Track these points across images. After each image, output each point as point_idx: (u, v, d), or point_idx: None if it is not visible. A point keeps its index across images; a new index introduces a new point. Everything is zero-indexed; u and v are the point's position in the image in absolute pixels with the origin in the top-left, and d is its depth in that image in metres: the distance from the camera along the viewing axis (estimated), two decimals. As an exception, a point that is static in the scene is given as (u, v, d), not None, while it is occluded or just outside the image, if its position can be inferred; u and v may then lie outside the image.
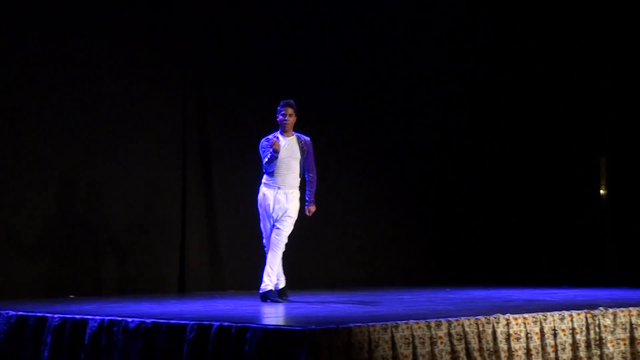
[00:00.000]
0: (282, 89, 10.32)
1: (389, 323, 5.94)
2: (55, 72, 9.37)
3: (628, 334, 7.18)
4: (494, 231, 12.55)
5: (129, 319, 6.37)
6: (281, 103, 8.35)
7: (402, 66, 12.11)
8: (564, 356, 6.83)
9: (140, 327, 6.28)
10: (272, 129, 8.42)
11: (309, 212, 8.42)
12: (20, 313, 6.95)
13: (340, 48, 11.56)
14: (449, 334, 6.22)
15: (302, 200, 8.35)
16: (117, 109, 9.76)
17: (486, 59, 12.62)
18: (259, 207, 8.34)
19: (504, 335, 6.53)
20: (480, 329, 6.40)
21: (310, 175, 8.39)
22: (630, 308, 7.25)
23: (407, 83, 12.17)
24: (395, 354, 5.89)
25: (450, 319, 6.28)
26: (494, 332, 6.48)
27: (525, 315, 6.71)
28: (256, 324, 5.90)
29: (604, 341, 7.03)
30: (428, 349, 6.07)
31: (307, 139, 8.40)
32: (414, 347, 6.00)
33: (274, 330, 5.77)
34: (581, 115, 12.20)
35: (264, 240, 8.39)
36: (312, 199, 8.39)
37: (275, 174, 8.22)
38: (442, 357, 6.13)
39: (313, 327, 5.62)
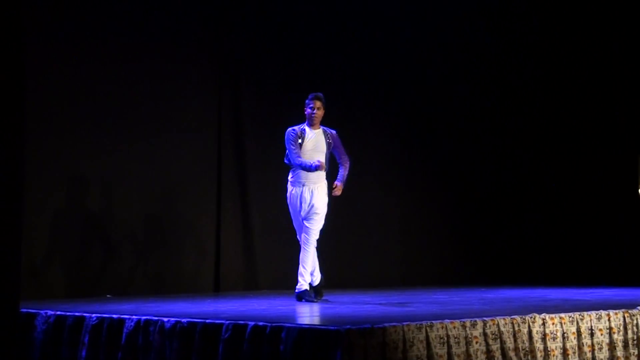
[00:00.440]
0: (317, 85, 10.32)
1: (423, 323, 5.92)
2: (88, 68, 9.36)
3: (666, 334, 7.11)
4: (531, 231, 12.47)
5: (165, 319, 6.41)
6: (310, 96, 8.34)
7: (434, 63, 12.07)
8: (601, 356, 6.77)
9: (176, 326, 6.32)
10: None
11: (335, 189, 8.34)
12: (59, 313, 7.02)
13: (377, 46, 11.53)
14: (484, 334, 6.19)
15: (330, 190, 8.33)
16: (153, 106, 9.79)
17: (521, 56, 12.55)
18: (289, 205, 8.34)
19: (540, 334, 6.49)
20: (516, 328, 6.37)
21: (343, 164, 8.40)
22: (669, 307, 7.18)
23: (441, 81, 12.13)
24: (429, 353, 5.88)
25: (485, 318, 6.25)
26: (530, 332, 6.44)
27: (562, 314, 6.67)
28: (291, 324, 5.91)
29: (641, 341, 6.98)
30: (463, 348, 6.05)
31: (334, 132, 8.39)
32: (449, 347, 5.98)
33: (309, 330, 5.78)
34: (619, 113, 12.10)
35: (298, 236, 8.40)
36: (343, 180, 8.35)
37: (298, 169, 8.22)
38: (477, 357, 6.10)
39: (348, 326, 5.62)
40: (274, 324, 5.93)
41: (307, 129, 8.28)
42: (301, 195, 8.21)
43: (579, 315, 6.74)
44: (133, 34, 9.66)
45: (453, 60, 12.18)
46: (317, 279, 8.39)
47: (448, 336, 5.99)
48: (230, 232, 10.30)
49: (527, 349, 6.40)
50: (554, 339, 6.56)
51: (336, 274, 10.47)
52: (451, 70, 12.17)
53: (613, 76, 12.07)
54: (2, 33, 5.92)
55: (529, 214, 12.52)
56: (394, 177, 11.71)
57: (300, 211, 8.23)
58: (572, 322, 6.68)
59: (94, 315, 6.80)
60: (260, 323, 5.99)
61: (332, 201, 9.17)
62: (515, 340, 6.34)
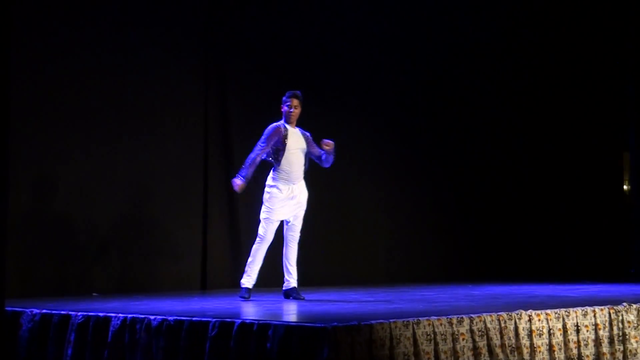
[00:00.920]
0: (306, 80, 10.32)
1: (410, 319, 5.94)
2: (74, 63, 9.27)
3: (652, 330, 7.14)
4: (517, 227, 12.52)
5: (152, 317, 6.40)
6: (288, 94, 8.26)
7: (426, 61, 12.07)
8: (587, 352, 6.80)
9: (162, 324, 6.31)
10: (298, 121, 8.41)
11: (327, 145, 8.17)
12: (44, 311, 6.99)
13: (371, 39, 11.51)
14: (471, 330, 6.21)
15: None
16: (140, 103, 9.74)
17: (509, 56, 12.58)
18: (268, 203, 8.17)
19: (526, 331, 6.51)
20: (502, 325, 6.39)
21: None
22: (654, 303, 7.21)
23: (429, 76, 12.13)
24: (416, 350, 5.89)
25: (472, 315, 6.27)
26: (516, 328, 6.46)
27: (548, 311, 6.69)
28: (278, 321, 5.91)
29: (627, 337, 7.00)
30: (450, 345, 6.06)
31: (308, 134, 8.36)
32: (436, 344, 5.99)
33: (296, 327, 5.78)
34: (605, 111, 12.15)
35: (258, 234, 8.22)
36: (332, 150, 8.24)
37: (284, 166, 8.15)
38: (463, 354, 6.12)
39: (335, 324, 5.63)
40: (260, 322, 5.93)
41: (288, 127, 8.25)
42: (290, 195, 8.17)
43: (565, 311, 6.76)
44: (117, 30, 9.58)
45: (445, 55, 12.17)
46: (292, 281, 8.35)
47: (435, 333, 6.00)
48: (217, 229, 10.28)
49: (513, 346, 6.42)
50: (540, 335, 6.58)
51: (323, 271, 10.49)
52: (440, 66, 12.16)
53: (598, 74, 12.12)
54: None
55: (515, 211, 12.56)
56: (380, 173, 11.70)
57: (285, 210, 8.18)
58: (558, 318, 6.70)
59: (80, 313, 6.78)
60: (247, 320, 5.99)
61: (318, 197, 9.17)
62: (501, 337, 6.36)
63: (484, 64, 12.48)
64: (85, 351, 6.65)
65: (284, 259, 8.32)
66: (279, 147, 8.15)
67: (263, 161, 8.30)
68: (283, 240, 8.37)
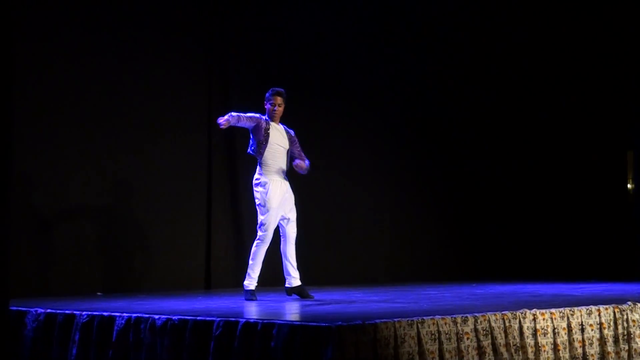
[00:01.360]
0: (308, 82, 10.32)
1: (414, 319, 5.93)
2: (80, 66, 9.32)
3: (656, 329, 7.13)
4: (521, 226, 12.51)
5: (156, 316, 6.41)
6: (271, 91, 8.16)
7: (427, 60, 12.07)
8: (592, 351, 6.79)
9: (167, 324, 6.32)
10: (297, 122, 8.39)
11: (299, 166, 8.14)
12: (49, 311, 7.01)
13: (370, 40, 11.52)
14: (475, 330, 6.20)
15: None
16: (145, 106, 9.76)
17: (511, 54, 12.57)
18: (264, 201, 8.05)
19: (531, 330, 6.51)
20: (507, 324, 6.38)
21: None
22: (659, 302, 7.21)
23: (427, 78, 12.13)
24: (421, 349, 5.89)
25: (476, 314, 6.27)
26: (521, 328, 6.46)
27: (553, 310, 6.68)
28: (282, 321, 5.91)
29: (632, 336, 6.99)
30: (454, 344, 6.06)
31: (292, 131, 8.29)
32: (440, 343, 5.99)
33: (300, 327, 5.78)
34: (608, 109, 12.14)
35: (260, 236, 8.10)
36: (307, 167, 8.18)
37: (268, 159, 8.05)
38: (468, 353, 6.11)
39: (339, 323, 5.63)
40: (265, 321, 5.93)
41: (271, 123, 8.17)
42: (280, 189, 8.07)
43: (570, 310, 6.76)
44: (121, 33, 9.60)
45: (442, 56, 12.18)
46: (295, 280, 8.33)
47: (439, 332, 6.00)
48: (221, 229, 10.29)
49: (518, 345, 6.42)
50: (545, 334, 6.57)
51: (327, 271, 10.50)
52: (438, 67, 12.15)
53: (602, 73, 12.10)
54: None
55: (519, 210, 12.55)
56: (385, 172, 11.71)
57: (280, 205, 8.07)
58: (562, 317, 6.69)
59: (84, 312, 6.78)
60: (252, 320, 5.99)
61: (322, 197, 9.21)
62: (506, 336, 6.35)
63: (485, 62, 12.48)
64: (89, 351, 6.66)
65: (283, 258, 8.28)
66: (261, 140, 8.05)
67: (249, 156, 8.19)
68: (280, 240, 8.30)
